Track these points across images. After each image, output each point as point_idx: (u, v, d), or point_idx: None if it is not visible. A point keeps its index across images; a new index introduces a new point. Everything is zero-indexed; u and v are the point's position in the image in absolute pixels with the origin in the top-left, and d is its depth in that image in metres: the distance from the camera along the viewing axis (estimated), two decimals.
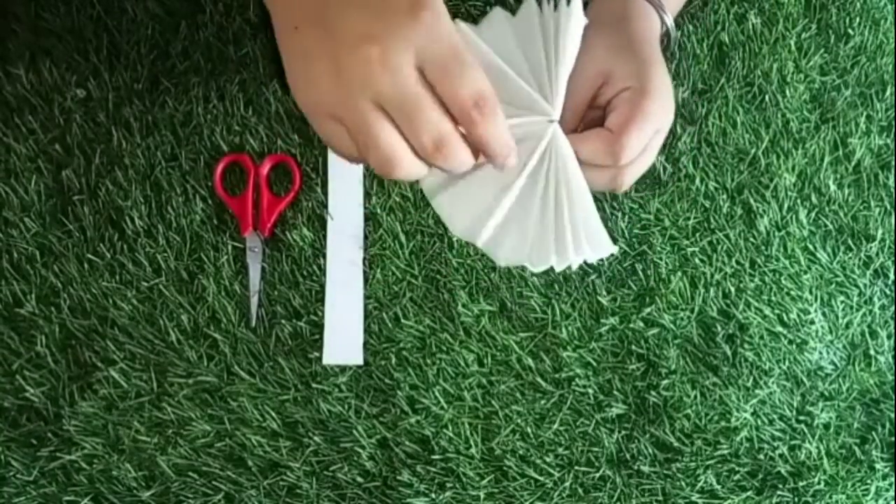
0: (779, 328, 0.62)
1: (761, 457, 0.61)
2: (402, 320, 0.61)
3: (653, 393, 0.61)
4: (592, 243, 0.45)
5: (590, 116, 0.50)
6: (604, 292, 0.62)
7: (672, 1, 0.55)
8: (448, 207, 0.47)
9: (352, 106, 0.37)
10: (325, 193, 0.63)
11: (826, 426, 0.61)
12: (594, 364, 0.61)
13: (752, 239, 0.63)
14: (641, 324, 0.62)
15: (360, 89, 0.36)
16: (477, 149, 0.39)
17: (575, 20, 0.43)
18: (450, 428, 0.60)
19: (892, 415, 0.62)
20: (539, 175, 0.45)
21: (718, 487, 0.60)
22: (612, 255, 0.54)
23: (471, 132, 0.38)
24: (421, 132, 0.37)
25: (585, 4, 0.47)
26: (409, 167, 0.38)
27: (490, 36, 0.46)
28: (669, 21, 0.53)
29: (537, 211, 0.45)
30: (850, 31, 0.66)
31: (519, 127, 0.44)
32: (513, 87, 0.45)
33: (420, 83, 0.36)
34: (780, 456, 0.61)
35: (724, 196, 0.63)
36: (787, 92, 0.65)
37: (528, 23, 0.46)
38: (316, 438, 0.60)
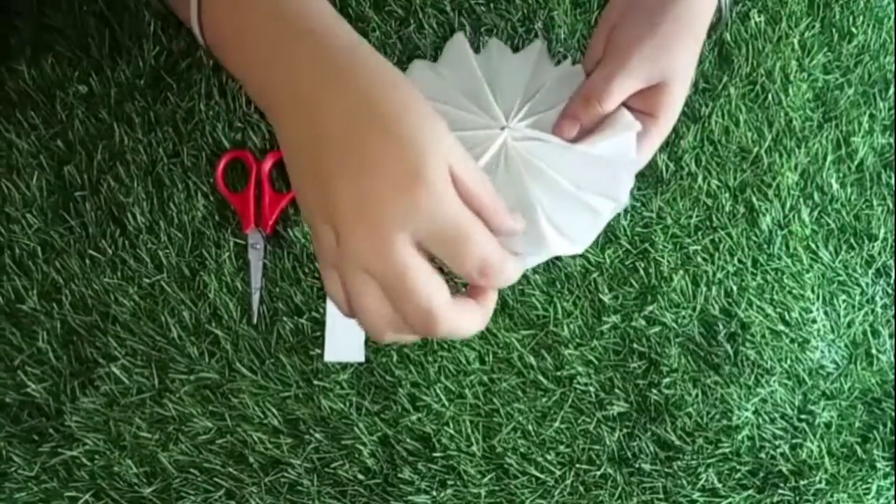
0: (780, 327, 0.62)
1: (762, 455, 0.61)
2: None
3: (654, 391, 0.61)
4: (538, 242, 0.48)
5: None
6: (605, 290, 0.62)
7: None
8: None
9: (344, 269, 0.36)
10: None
11: (827, 425, 0.61)
12: (595, 362, 0.61)
13: (754, 237, 0.63)
14: (643, 322, 0.62)
15: (352, 259, 0.35)
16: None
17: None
18: (451, 425, 0.60)
19: (894, 414, 0.61)
20: (493, 173, 0.50)
21: (719, 486, 0.60)
22: (577, 253, 0.56)
23: (482, 305, 0.39)
24: (407, 308, 0.36)
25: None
26: (392, 338, 0.38)
27: (448, 65, 0.54)
28: None
29: None
30: (853, 29, 0.66)
31: (472, 136, 0.50)
32: (463, 103, 0.52)
33: (406, 258, 0.35)
34: (782, 454, 0.61)
35: (727, 194, 0.63)
36: (790, 90, 0.65)
37: (462, 55, 0.55)
38: (317, 435, 0.60)
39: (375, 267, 0.35)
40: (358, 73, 0.36)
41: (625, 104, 0.51)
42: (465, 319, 0.38)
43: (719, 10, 0.53)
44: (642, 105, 0.51)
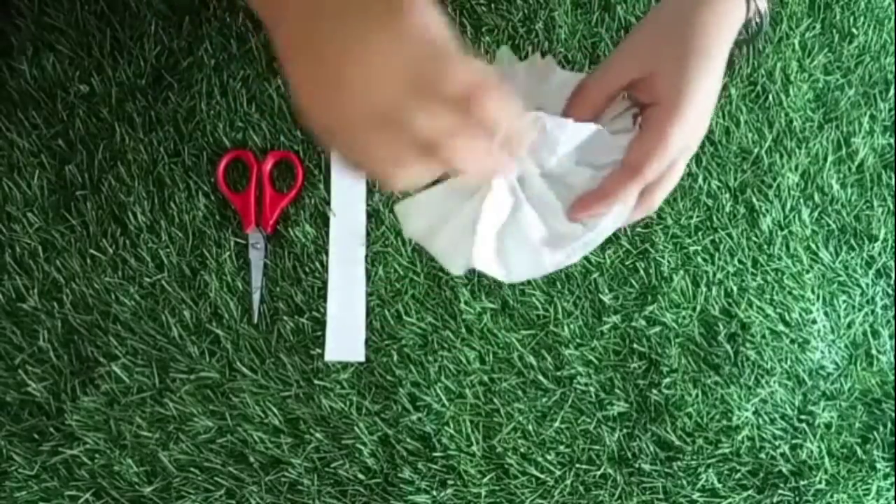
0: (781, 327, 0.62)
1: (762, 456, 0.61)
2: (404, 317, 0.61)
3: (654, 391, 0.61)
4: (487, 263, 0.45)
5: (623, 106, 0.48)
6: (606, 290, 0.62)
7: None
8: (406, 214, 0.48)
9: (347, 125, 0.37)
10: (328, 190, 0.63)
11: (827, 425, 0.61)
12: (596, 362, 0.61)
13: (754, 238, 0.63)
14: (643, 322, 0.62)
15: (351, 110, 0.36)
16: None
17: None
18: (451, 425, 0.60)
19: (894, 414, 0.62)
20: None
21: (719, 486, 0.60)
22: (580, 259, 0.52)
23: (480, 119, 0.37)
24: (408, 139, 0.36)
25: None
26: (404, 177, 0.38)
27: None
28: (762, 3, 0.48)
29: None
30: (854, 30, 0.66)
31: None
32: None
33: (403, 94, 0.36)
34: (782, 455, 0.61)
35: (727, 195, 0.63)
36: (791, 91, 0.65)
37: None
38: (317, 435, 0.60)
39: (374, 107, 0.36)
40: None
41: (633, 99, 0.48)
42: (474, 143, 0.37)
43: (757, 17, 0.49)
44: (655, 92, 0.46)
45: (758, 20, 0.49)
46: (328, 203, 0.63)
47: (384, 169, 0.38)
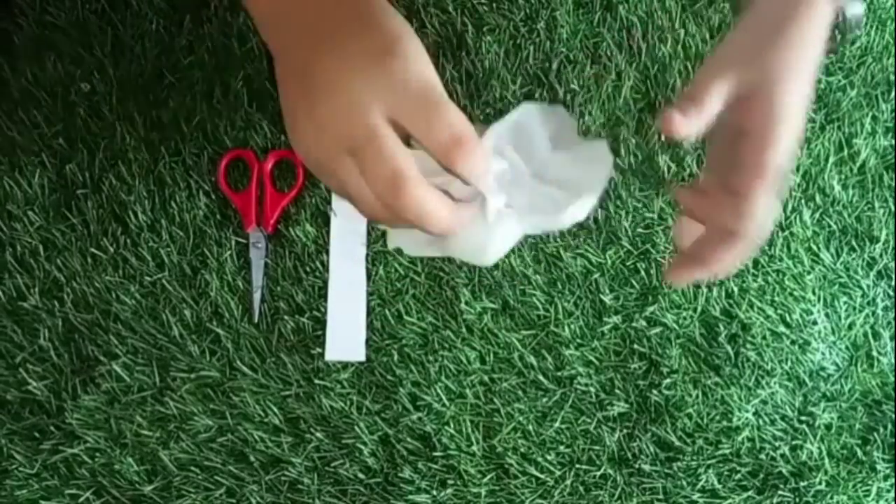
0: (781, 328, 0.62)
1: (762, 457, 0.61)
2: (405, 317, 0.61)
3: (654, 392, 0.61)
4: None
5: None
6: (606, 291, 0.62)
7: None
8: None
9: (324, 152, 0.38)
10: (329, 190, 0.63)
11: (828, 427, 0.61)
12: (596, 362, 0.61)
13: None
14: (644, 323, 0.62)
15: (332, 138, 0.37)
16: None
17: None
18: (451, 425, 0.60)
19: (894, 416, 0.62)
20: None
21: (719, 487, 0.60)
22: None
23: (454, 170, 0.38)
24: (375, 174, 0.37)
25: None
26: (370, 209, 0.38)
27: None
28: (854, 8, 0.46)
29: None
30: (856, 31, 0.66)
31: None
32: None
33: (380, 130, 0.36)
34: (782, 456, 0.61)
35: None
36: None
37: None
38: (318, 434, 0.60)
39: (349, 138, 0.37)
40: None
41: (729, 117, 0.43)
42: (433, 201, 0.37)
43: (842, 19, 0.47)
44: (742, 120, 0.42)
45: (841, 24, 0.47)
46: (329, 203, 0.63)
47: (354, 202, 0.39)
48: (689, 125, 0.41)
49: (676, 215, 0.52)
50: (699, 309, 0.62)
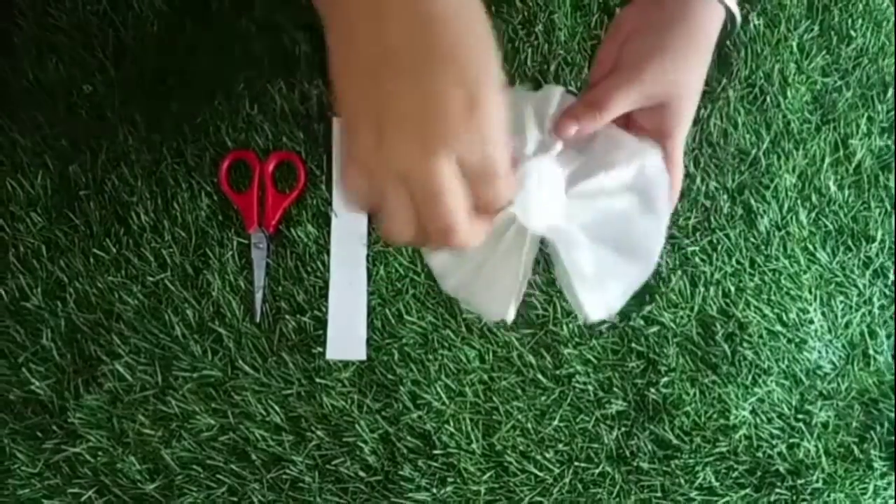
0: (778, 327, 0.62)
1: (760, 455, 0.61)
2: (405, 317, 0.62)
3: (652, 390, 0.61)
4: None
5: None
6: None
7: None
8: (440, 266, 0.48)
9: (381, 172, 0.37)
10: (330, 191, 0.63)
11: (824, 425, 0.61)
12: (594, 361, 0.62)
13: (752, 239, 0.63)
14: (641, 322, 0.62)
15: (392, 163, 0.36)
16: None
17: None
18: (451, 423, 0.61)
19: (891, 414, 0.62)
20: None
21: (717, 484, 0.60)
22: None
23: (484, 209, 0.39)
24: (433, 221, 0.37)
25: None
26: (412, 243, 0.39)
27: None
28: (733, 5, 0.49)
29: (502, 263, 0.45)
30: (852, 32, 0.66)
31: None
32: None
33: (446, 185, 0.36)
34: (779, 454, 0.61)
35: (725, 196, 0.64)
36: (789, 93, 0.65)
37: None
38: (319, 433, 0.60)
39: (415, 176, 0.36)
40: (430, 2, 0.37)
41: (631, 123, 0.49)
42: (476, 233, 0.39)
43: (727, 23, 0.51)
44: (650, 122, 0.48)
45: (729, 24, 0.50)
46: (330, 203, 0.63)
47: (390, 230, 0.38)
48: (582, 130, 0.46)
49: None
50: (696, 308, 0.62)
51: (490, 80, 0.36)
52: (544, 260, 0.63)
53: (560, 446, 0.61)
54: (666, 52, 0.46)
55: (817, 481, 0.61)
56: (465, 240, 0.38)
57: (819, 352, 0.62)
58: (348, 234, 0.63)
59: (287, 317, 0.62)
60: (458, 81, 0.36)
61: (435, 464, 0.60)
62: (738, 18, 0.50)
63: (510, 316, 0.45)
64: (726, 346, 0.62)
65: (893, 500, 0.61)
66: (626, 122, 0.48)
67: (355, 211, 0.40)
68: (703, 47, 0.48)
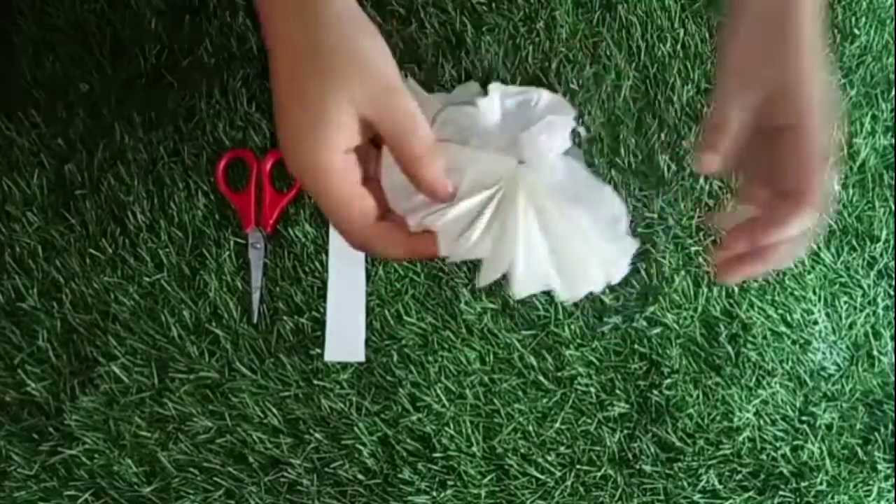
0: (782, 328, 0.62)
1: (763, 457, 0.61)
2: (404, 317, 0.61)
3: (655, 392, 0.61)
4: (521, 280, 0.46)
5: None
6: (606, 291, 0.62)
7: None
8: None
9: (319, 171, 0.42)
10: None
11: (829, 427, 0.61)
12: (596, 363, 0.61)
13: None
14: (644, 323, 0.61)
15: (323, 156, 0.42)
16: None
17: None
18: (451, 426, 0.60)
19: (895, 416, 0.61)
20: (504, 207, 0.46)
21: (720, 487, 0.60)
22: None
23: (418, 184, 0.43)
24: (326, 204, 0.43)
25: None
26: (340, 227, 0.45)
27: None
28: None
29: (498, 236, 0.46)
30: (855, 30, 0.66)
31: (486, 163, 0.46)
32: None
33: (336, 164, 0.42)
34: (783, 456, 0.61)
35: (729, 195, 0.63)
36: None
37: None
38: (317, 435, 0.60)
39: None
40: (353, 9, 0.42)
41: (758, 122, 0.44)
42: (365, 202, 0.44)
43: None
44: (775, 119, 0.43)
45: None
46: None
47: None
48: (719, 155, 0.43)
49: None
50: (700, 309, 0.62)
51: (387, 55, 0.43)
52: None
53: (562, 449, 0.60)
54: (759, 47, 0.43)
55: (821, 484, 0.60)
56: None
57: (823, 353, 0.62)
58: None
59: (285, 318, 0.61)
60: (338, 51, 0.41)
61: (435, 467, 0.60)
62: None
63: (490, 277, 0.46)
64: (730, 348, 0.61)
65: None
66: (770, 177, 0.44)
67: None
68: (795, 29, 0.43)
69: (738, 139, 0.43)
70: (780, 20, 0.43)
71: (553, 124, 0.47)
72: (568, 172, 0.47)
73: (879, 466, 0.61)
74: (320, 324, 0.61)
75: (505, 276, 0.45)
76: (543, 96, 0.49)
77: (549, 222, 0.45)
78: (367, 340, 0.61)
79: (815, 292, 0.62)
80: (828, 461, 0.60)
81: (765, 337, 0.61)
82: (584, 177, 0.48)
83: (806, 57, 0.43)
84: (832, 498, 0.60)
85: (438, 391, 0.61)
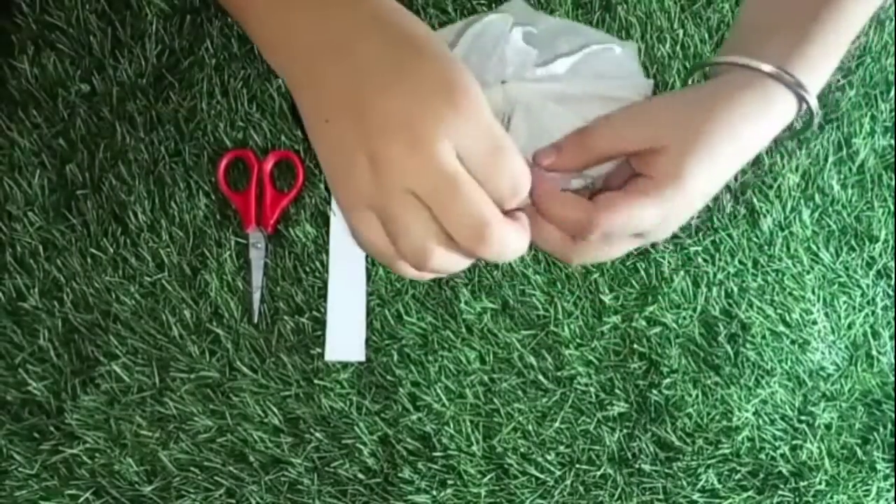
0: (781, 328, 0.62)
1: (762, 456, 0.61)
2: (405, 317, 0.61)
3: (654, 392, 0.61)
4: None
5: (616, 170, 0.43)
6: (606, 291, 0.62)
7: (819, 65, 0.42)
8: None
9: (385, 195, 0.35)
10: (328, 190, 0.63)
11: (827, 426, 0.61)
12: (596, 362, 0.61)
13: (755, 238, 0.63)
14: (644, 322, 0.62)
15: (395, 178, 0.34)
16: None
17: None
18: (451, 425, 0.60)
19: (894, 415, 0.62)
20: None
21: (719, 486, 0.60)
22: None
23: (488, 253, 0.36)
24: (457, 220, 0.35)
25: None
26: (442, 258, 0.36)
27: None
28: (813, 102, 0.41)
29: None
30: None
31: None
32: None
33: (454, 166, 0.35)
34: (782, 456, 0.61)
35: (728, 195, 0.63)
36: None
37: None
38: (317, 434, 0.60)
39: (422, 180, 0.34)
40: (388, 8, 0.37)
41: (635, 168, 0.42)
42: (513, 235, 0.36)
43: (808, 112, 0.43)
44: (651, 168, 0.41)
45: (805, 118, 0.43)
46: (328, 202, 0.63)
47: (412, 248, 0.36)
48: (561, 161, 0.41)
49: None
50: (699, 309, 0.62)
51: (453, 58, 0.36)
52: (544, 259, 0.62)
53: (561, 448, 0.61)
54: (696, 105, 0.40)
55: (820, 483, 0.60)
56: (500, 239, 0.35)
57: (822, 353, 0.62)
58: (347, 234, 0.62)
59: (285, 317, 0.61)
60: (433, 74, 0.35)
61: (435, 466, 0.60)
62: (817, 115, 0.42)
63: None
64: (729, 347, 0.61)
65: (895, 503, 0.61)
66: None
67: (377, 256, 0.39)
68: (747, 125, 0.41)
69: (595, 162, 0.42)
70: (713, 107, 0.40)
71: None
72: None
73: (878, 466, 0.61)
74: (321, 323, 0.61)
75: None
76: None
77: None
78: (368, 340, 0.61)
79: (814, 292, 0.62)
80: (827, 461, 0.61)
81: (764, 337, 0.62)
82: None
83: (709, 148, 0.40)
84: (831, 497, 0.60)
85: (438, 390, 0.61)
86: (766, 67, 0.41)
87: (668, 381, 0.61)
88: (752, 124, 0.41)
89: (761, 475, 0.61)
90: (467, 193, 0.35)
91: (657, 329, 0.62)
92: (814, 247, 0.63)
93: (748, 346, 0.61)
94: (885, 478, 0.61)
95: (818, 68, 0.42)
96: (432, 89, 0.35)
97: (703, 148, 0.40)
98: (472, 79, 0.36)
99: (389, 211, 0.35)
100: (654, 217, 0.40)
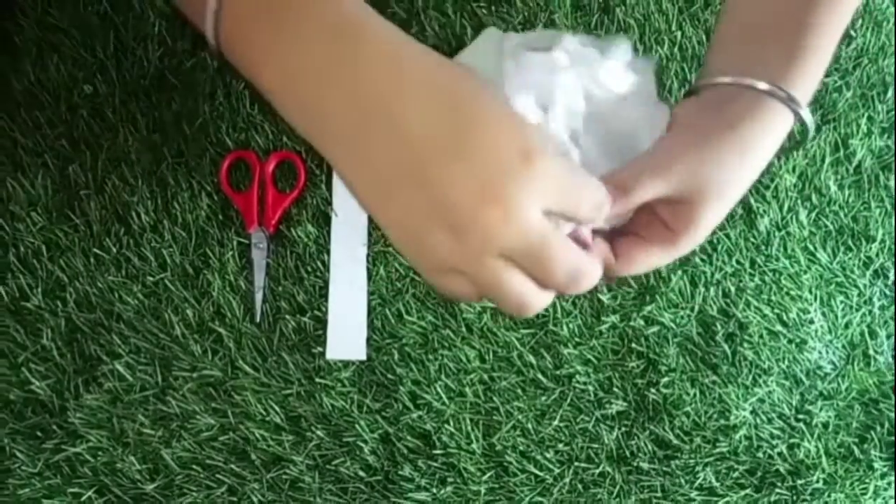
0: (778, 327, 0.62)
1: (760, 455, 0.61)
2: (405, 316, 0.62)
3: (652, 390, 0.61)
4: None
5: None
6: (604, 290, 0.62)
7: (809, 78, 0.44)
8: None
9: (476, 262, 0.35)
10: (330, 190, 0.63)
11: (825, 425, 0.61)
12: (595, 361, 0.62)
13: (752, 238, 0.63)
14: (642, 322, 0.62)
15: (487, 246, 0.34)
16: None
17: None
18: (451, 423, 0.61)
19: (891, 414, 0.62)
20: None
21: (717, 485, 0.60)
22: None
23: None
24: (554, 273, 0.36)
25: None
26: (541, 304, 0.38)
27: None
28: (807, 116, 0.43)
29: None
30: (852, 32, 0.66)
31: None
32: None
33: (544, 226, 0.35)
34: (779, 454, 0.61)
35: None
36: None
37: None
38: (319, 433, 0.60)
39: (516, 246, 0.35)
40: (430, 67, 0.35)
41: (654, 210, 0.44)
42: (598, 270, 0.38)
43: (795, 133, 0.45)
44: (669, 216, 0.43)
45: (800, 131, 0.44)
46: (330, 203, 0.63)
47: (514, 307, 0.37)
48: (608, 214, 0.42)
49: None
50: (696, 308, 0.62)
51: (512, 114, 0.36)
52: None
53: (560, 446, 0.61)
54: (707, 150, 0.42)
55: (817, 482, 0.61)
56: (591, 280, 0.37)
57: (819, 352, 0.62)
58: (348, 234, 0.63)
59: (287, 317, 0.62)
60: (503, 138, 0.34)
61: (435, 464, 0.60)
62: (811, 128, 0.44)
63: None
64: (726, 347, 0.62)
65: (894, 501, 0.61)
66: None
67: (467, 301, 0.40)
68: (753, 157, 0.42)
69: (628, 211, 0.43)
70: (729, 131, 0.42)
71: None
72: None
73: (875, 465, 0.61)
74: (322, 322, 0.62)
75: None
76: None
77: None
78: (369, 339, 0.62)
79: (811, 292, 0.63)
80: (824, 459, 0.61)
81: (761, 336, 0.62)
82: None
83: (727, 187, 0.42)
84: (828, 496, 0.61)
85: (438, 389, 0.61)
86: (762, 86, 0.42)
87: (665, 379, 0.61)
88: (758, 155, 0.42)
89: (759, 473, 0.61)
90: (560, 248, 0.36)
91: (655, 328, 0.62)
92: (811, 247, 0.63)
93: (745, 345, 0.62)
94: (882, 476, 0.61)
95: (808, 81, 0.44)
96: (507, 157, 0.34)
97: (718, 197, 0.42)
98: (537, 130, 0.36)
99: (482, 276, 0.35)
100: (666, 262, 0.44)
